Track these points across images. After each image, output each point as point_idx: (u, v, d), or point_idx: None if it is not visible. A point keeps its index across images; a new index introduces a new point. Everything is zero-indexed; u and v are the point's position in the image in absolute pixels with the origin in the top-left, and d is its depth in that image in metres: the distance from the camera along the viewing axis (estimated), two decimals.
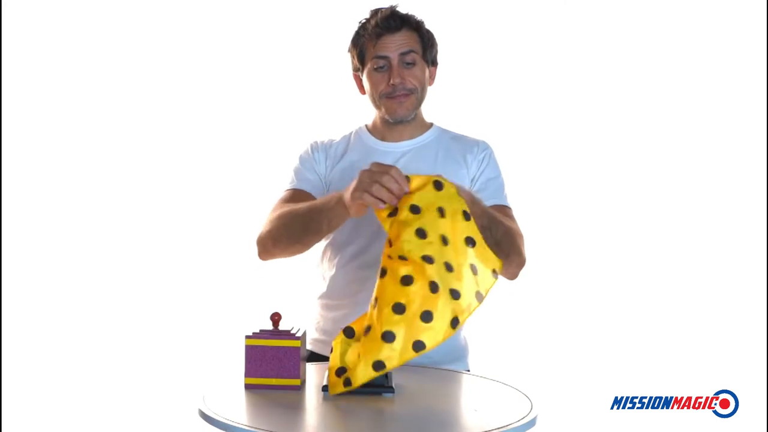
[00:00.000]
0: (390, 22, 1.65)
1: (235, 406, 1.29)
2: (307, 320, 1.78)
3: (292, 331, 1.41)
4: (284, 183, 1.74)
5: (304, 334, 1.45)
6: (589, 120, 2.79)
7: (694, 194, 2.75)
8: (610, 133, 2.78)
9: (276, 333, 1.40)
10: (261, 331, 1.41)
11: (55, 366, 2.71)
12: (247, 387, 1.38)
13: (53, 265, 2.74)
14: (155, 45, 2.76)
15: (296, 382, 1.38)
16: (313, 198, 1.66)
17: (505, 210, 1.70)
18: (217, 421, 1.20)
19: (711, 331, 2.68)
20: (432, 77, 1.75)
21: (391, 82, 1.65)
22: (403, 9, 1.70)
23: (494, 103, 2.74)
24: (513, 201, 1.79)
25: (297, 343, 1.39)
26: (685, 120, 2.75)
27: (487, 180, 1.71)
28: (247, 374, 1.38)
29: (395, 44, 1.65)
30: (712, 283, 2.71)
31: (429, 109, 1.79)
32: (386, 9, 1.68)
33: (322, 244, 1.77)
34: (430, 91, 1.76)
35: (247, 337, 1.39)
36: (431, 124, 1.80)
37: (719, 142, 2.74)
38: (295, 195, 1.68)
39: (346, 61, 1.76)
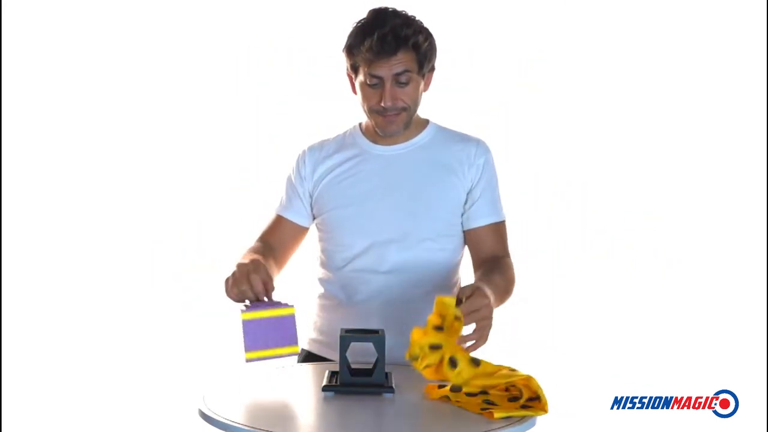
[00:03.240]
0: (384, 47, 1.57)
1: (235, 406, 1.30)
2: (305, 320, 1.78)
3: (282, 302, 1.41)
4: (276, 203, 1.80)
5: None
6: (588, 120, 2.78)
7: (694, 194, 2.74)
8: (610, 133, 2.78)
9: (270, 303, 1.40)
10: (254, 303, 1.40)
11: (55, 366, 2.71)
12: (248, 362, 1.36)
13: (53, 265, 2.73)
14: (153, 45, 2.75)
15: (295, 349, 1.37)
16: (293, 226, 1.76)
17: (498, 228, 1.71)
18: (217, 421, 1.20)
19: (711, 331, 2.68)
20: (428, 83, 1.71)
21: (382, 104, 1.62)
22: (400, 5, 1.64)
23: (491, 103, 2.73)
24: (511, 202, 1.79)
25: (292, 311, 1.38)
26: (686, 121, 2.75)
27: (483, 190, 1.70)
28: (247, 349, 1.35)
29: (389, 65, 1.59)
30: (712, 283, 2.70)
31: (425, 108, 1.76)
32: (382, 30, 1.57)
33: (317, 246, 1.78)
34: (429, 89, 1.73)
35: (243, 311, 1.36)
36: (427, 122, 1.77)
37: (719, 142, 2.73)
38: (278, 223, 1.77)
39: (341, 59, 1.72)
